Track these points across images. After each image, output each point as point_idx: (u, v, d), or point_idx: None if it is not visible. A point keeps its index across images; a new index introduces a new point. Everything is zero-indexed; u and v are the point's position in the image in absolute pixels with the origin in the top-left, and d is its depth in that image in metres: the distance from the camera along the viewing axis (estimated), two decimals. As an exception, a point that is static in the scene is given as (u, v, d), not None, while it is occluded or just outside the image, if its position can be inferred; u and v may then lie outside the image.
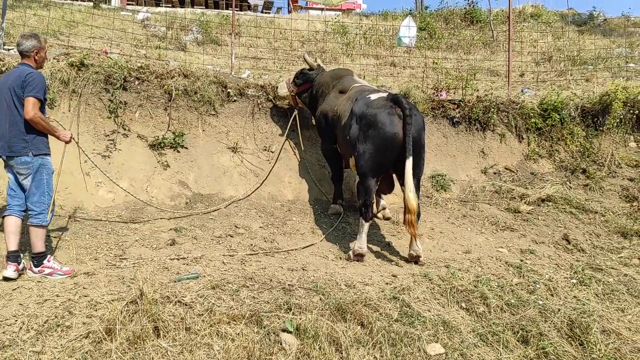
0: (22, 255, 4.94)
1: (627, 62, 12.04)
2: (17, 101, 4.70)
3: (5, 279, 4.59)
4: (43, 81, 4.81)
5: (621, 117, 8.81)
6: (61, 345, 3.62)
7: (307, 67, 8.02)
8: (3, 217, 4.88)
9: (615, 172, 8.40)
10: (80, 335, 3.70)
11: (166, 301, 4.09)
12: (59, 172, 5.18)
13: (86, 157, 6.55)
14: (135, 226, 6.31)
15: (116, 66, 7.64)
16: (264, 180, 7.74)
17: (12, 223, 4.80)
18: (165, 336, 3.72)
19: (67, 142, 5.16)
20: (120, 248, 5.61)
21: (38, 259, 4.77)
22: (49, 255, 4.88)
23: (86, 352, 3.53)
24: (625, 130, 8.92)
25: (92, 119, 7.33)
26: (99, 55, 8.19)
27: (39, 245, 4.80)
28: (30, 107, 4.65)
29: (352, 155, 6.12)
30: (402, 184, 5.81)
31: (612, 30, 15.15)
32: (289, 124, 8.08)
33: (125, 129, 7.47)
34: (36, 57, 4.92)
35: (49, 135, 4.92)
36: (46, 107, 5.19)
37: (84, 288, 4.44)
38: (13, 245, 4.75)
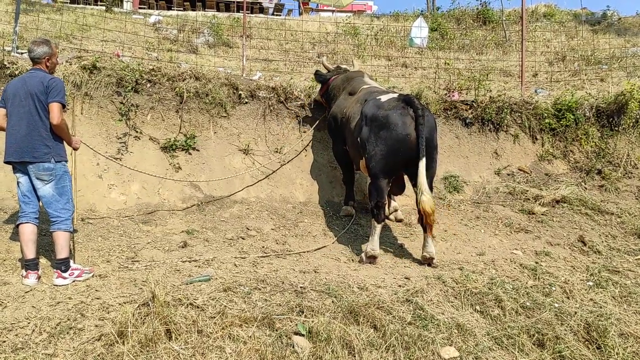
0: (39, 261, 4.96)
1: (643, 61, 11.87)
2: (40, 107, 4.69)
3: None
4: (64, 86, 4.84)
5: (637, 117, 8.67)
6: (73, 347, 3.62)
7: (324, 70, 8.11)
8: (18, 224, 4.82)
9: (631, 173, 8.28)
10: (93, 338, 3.70)
11: (178, 304, 4.07)
12: (74, 177, 5.20)
13: (97, 160, 6.58)
14: (147, 228, 6.33)
15: (128, 69, 7.66)
16: (270, 174, 7.78)
17: (30, 231, 4.78)
18: (177, 339, 3.70)
19: (75, 149, 5.19)
20: (133, 250, 5.62)
21: (65, 264, 4.76)
22: (70, 259, 4.90)
23: (98, 355, 3.53)
24: (641, 131, 8.79)
25: (104, 121, 7.37)
26: (111, 58, 8.22)
27: (65, 251, 4.79)
28: (58, 113, 4.67)
29: (363, 157, 6.08)
30: (414, 185, 5.76)
31: (627, 29, 14.97)
32: (315, 125, 8.16)
33: (137, 132, 7.49)
34: (47, 64, 4.91)
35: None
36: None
37: (96, 290, 4.45)
38: (32, 253, 4.74)
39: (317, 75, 8.17)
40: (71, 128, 5.53)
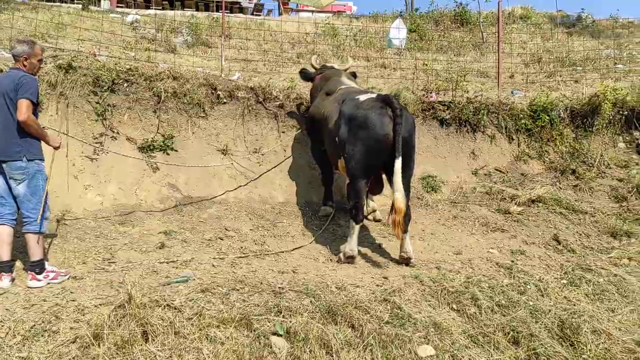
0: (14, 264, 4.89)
1: (616, 63, 12.12)
2: (11, 105, 4.63)
3: None
4: (36, 85, 4.75)
5: (610, 118, 8.86)
6: (48, 350, 3.58)
7: (312, 69, 8.14)
8: None
9: (605, 173, 8.44)
10: (68, 341, 3.67)
11: (155, 305, 4.05)
12: (49, 177, 5.11)
13: (73, 161, 6.50)
14: (124, 229, 6.26)
15: (104, 68, 7.58)
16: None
17: (6, 233, 4.73)
18: (153, 340, 3.68)
19: (56, 148, 5.10)
20: (109, 252, 5.56)
21: (40, 266, 4.71)
22: (45, 261, 4.83)
23: (73, 358, 3.50)
24: (614, 131, 8.97)
25: (80, 121, 7.27)
26: (87, 57, 8.12)
27: (38, 253, 4.74)
28: (24, 109, 4.58)
29: (341, 157, 6.10)
30: (392, 185, 5.80)
31: (601, 31, 15.25)
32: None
33: (114, 132, 7.41)
34: (25, 63, 4.81)
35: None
36: (38, 112, 5.10)
37: (71, 292, 4.41)
38: (7, 256, 4.70)
39: (303, 74, 8.18)
40: (51, 127, 5.47)
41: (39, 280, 4.64)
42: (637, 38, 14.26)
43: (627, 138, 9.01)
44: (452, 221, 7.28)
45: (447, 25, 15.67)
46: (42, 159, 4.86)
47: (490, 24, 15.21)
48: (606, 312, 4.79)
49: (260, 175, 7.81)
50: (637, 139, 8.91)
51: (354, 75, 8.24)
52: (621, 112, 8.94)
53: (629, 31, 15.07)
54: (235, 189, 7.57)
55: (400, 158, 5.46)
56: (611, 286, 5.31)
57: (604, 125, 8.86)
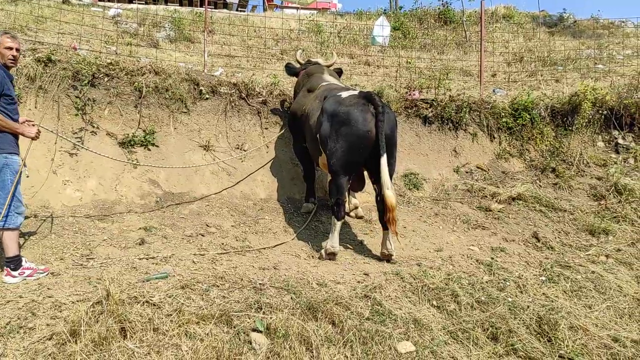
0: None
1: (596, 63, 12.26)
2: None
3: None
4: None
5: (590, 117, 8.97)
6: (24, 347, 3.52)
7: (297, 64, 8.10)
8: None
9: (584, 171, 8.54)
10: (44, 337, 3.61)
11: (134, 301, 4.00)
12: (22, 169, 5.01)
13: (52, 155, 6.40)
14: (104, 225, 6.19)
15: (84, 62, 7.48)
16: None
17: None
18: (132, 337, 3.65)
19: (33, 139, 5.00)
20: (88, 247, 5.50)
21: (15, 263, 4.64)
22: (23, 257, 4.75)
23: (49, 355, 3.45)
24: (593, 130, 9.08)
25: (60, 116, 7.16)
26: (67, 51, 8.00)
27: (11, 249, 4.66)
28: None
29: (322, 154, 6.09)
30: (374, 182, 5.81)
31: (582, 32, 15.42)
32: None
33: (93, 127, 7.32)
34: None
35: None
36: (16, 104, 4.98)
37: (48, 289, 4.34)
38: None
39: (288, 68, 8.16)
40: (36, 122, 5.36)
41: (13, 276, 4.57)
42: (617, 39, 14.43)
43: (606, 137, 9.12)
44: (433, 218, 7.32)
45: (431, 24, 15.72)
46: (11, 153, 4.74)
47: (473, 22, 15.30)
48: (583, 308, 4.86)
49: (248, 176, 7.77)
50: (616, 138, 9.03)
51: (339, 71, 8.24)
52: (600, 112, 9.05)
53: (610, 32, 15.24)
54: (219, 191, 7.50)
55: (385, 155, 5.48)
56: (589, 283, 5.39)
57: (584, 124, 8.97)
